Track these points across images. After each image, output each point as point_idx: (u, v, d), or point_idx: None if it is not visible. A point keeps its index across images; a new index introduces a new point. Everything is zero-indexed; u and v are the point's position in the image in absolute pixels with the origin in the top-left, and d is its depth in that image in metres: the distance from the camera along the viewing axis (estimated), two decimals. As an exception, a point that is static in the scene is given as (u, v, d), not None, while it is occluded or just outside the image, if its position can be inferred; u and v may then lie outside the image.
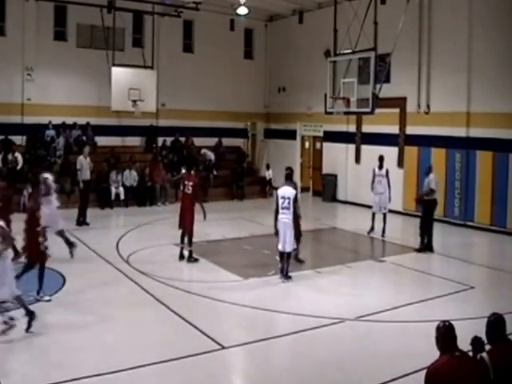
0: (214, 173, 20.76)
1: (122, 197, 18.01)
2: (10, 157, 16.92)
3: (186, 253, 11.32)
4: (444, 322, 4.02)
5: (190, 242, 11.21)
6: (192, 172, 11.67)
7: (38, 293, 8.63)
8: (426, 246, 12.64)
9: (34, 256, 8.45)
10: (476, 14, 15.26)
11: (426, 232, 12.67)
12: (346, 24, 13.40)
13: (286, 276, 10.05)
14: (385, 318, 8.27)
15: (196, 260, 11.22)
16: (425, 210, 12.81)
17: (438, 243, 14.79)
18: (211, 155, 21.05)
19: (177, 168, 20.27)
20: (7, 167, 16.86)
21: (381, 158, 14.30)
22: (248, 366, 7.08)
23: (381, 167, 14.24)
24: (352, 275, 10.90)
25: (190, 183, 11.21)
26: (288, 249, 9.96)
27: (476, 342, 4.02)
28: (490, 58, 14.96)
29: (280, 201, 9.99)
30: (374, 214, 14.27)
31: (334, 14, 14.12)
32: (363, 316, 8.31)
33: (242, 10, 20.34)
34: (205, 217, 11.14)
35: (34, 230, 8.41)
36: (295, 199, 10.03)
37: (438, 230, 15.81)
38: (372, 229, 14.19)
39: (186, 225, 11.17)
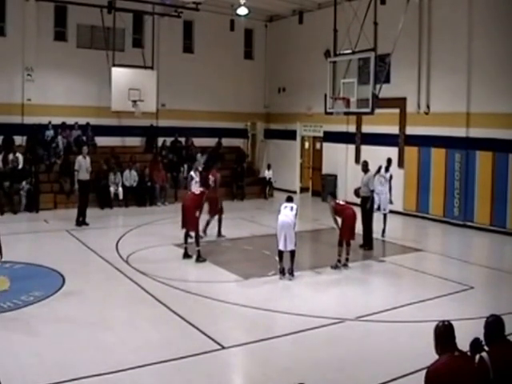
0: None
1: (121, 197, 18.00)
2: (10, 156, 16.94)
3: (190, 253, 11.41)
4: (443, 321, 4.01)
5: (197, 242, 11.28)
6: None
7: None
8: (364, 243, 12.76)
9: None
10: (476, 14, 15.26)
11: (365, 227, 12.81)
12: (345, 24, 13.40)
13: (291, 274, 10.17)
14: (385, 318, 8.27)
15: (204, 260, 11.25)
16: (360, 206, 12.95)
17: (438, 243, 14.86)
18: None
19: (176, 168, 20.29)
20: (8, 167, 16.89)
21: (389, 161, 14.27)
22: (248, 365, 7.07)
23: (387, 170, 14.20)
24: (352, 275, 10.90)
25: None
26: (289, 248, 10.10)
27: (475, 344, 4.00)
28: (490, 57, 14.96)
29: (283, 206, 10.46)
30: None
31: (333, 14, 14.12)
32: (363, 316, 8.31)
33: (242, 11, 20.30)
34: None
35: None
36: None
37: (437, 230, 15.93)
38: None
39: (188, 225, 11.38)
